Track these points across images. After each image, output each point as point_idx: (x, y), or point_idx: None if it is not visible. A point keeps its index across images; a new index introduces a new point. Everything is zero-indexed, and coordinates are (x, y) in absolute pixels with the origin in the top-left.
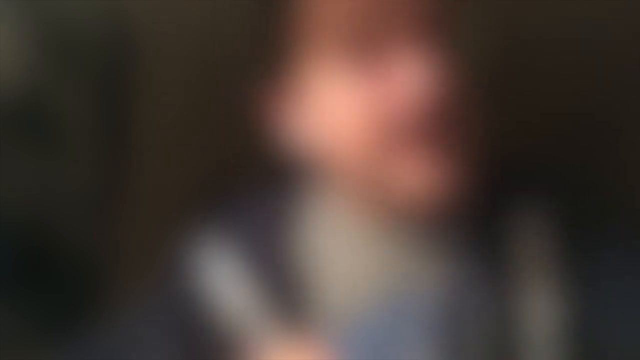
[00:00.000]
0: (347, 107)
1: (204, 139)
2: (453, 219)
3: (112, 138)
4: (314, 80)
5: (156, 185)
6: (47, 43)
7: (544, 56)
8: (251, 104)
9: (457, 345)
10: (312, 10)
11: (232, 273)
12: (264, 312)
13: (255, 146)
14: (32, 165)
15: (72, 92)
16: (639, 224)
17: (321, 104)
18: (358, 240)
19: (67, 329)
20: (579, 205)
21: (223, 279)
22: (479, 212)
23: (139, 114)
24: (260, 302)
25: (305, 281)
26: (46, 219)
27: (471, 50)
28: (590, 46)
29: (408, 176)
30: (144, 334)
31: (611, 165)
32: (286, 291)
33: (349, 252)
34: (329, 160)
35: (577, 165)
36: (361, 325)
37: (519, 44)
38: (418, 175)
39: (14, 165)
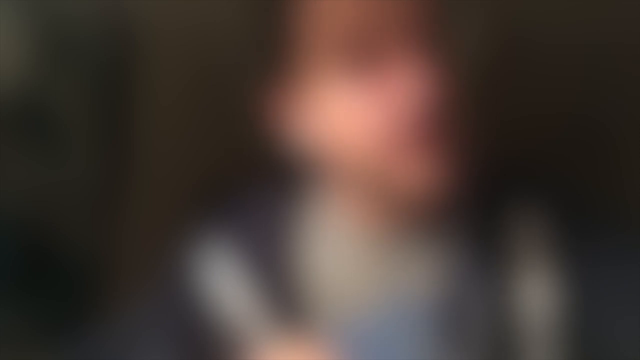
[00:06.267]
0: (347, 111)
1: (204, 139)
2: (453, 218)
3: (112, 137)
4: (315, 85)
5: (157, 185)
6: (46, 42)
7: (542, 59)
8: (252, 106)
9: (457, 343)
10: (312, 17)
11: (233, 273)
12: (264, 312)
13: (256, 148)
14: (32, 164)
15: (71, 91)
16: (633, 218)
17: (322, 109)
18: (358, 241)
19: (68, 330)
20: (575, 202)
21: (223, 280)
22: (478, 212)
23: (139, 113)
24: (260, 303)
25: (305, 281)
26: (47, 219)
27: (469, 55)
28: (588, 49)
29: (406, 177)
30: (144, 334)
31: (604, 161)
32: (286, 291)
33: (349, 252)
34: (329, 163)
35: (574, 164)
36: (361, 325)
37: (516, 47)
38: (416, 176)
39: (14, 164)
